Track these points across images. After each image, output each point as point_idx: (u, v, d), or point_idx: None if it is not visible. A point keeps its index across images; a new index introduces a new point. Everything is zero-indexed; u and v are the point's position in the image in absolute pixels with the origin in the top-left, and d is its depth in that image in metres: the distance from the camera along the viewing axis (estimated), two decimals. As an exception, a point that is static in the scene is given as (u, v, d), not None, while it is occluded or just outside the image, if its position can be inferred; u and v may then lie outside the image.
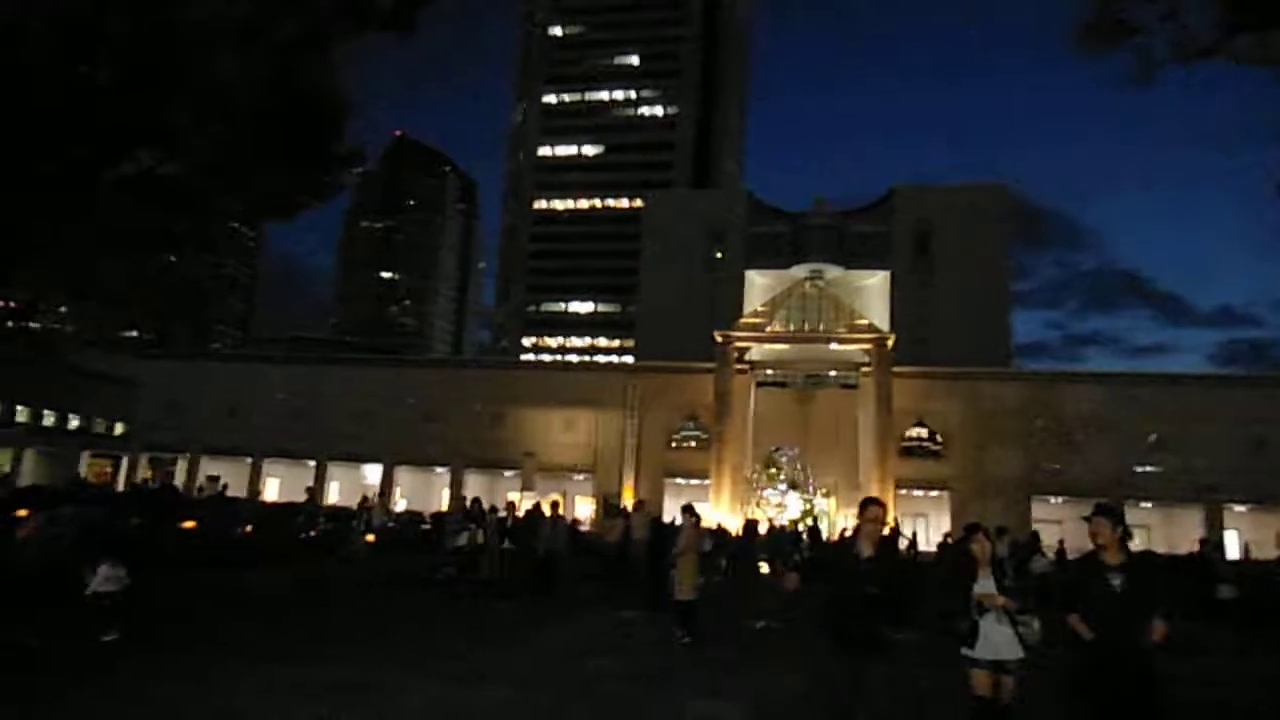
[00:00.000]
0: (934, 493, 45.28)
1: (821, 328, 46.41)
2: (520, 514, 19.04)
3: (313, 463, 51.48)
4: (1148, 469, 44.30)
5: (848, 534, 31.05)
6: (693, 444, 48.51)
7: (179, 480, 49.17)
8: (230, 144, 9.09)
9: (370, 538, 24.65)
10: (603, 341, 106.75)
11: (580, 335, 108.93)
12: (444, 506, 43.26)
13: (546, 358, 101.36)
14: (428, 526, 33.80)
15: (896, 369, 45.41)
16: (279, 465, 52.33)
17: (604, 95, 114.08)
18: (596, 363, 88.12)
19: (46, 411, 65.76)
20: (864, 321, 47.55)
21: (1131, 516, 40.48)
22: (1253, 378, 52.78)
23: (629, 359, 76.37)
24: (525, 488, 42.10)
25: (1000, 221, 67.04)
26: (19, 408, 64.19)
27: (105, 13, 8.46)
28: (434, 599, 14.77)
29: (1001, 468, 44.73)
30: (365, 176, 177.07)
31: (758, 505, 40.46)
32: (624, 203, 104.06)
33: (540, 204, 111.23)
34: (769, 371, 48.96)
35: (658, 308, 69.28)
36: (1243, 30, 6.59)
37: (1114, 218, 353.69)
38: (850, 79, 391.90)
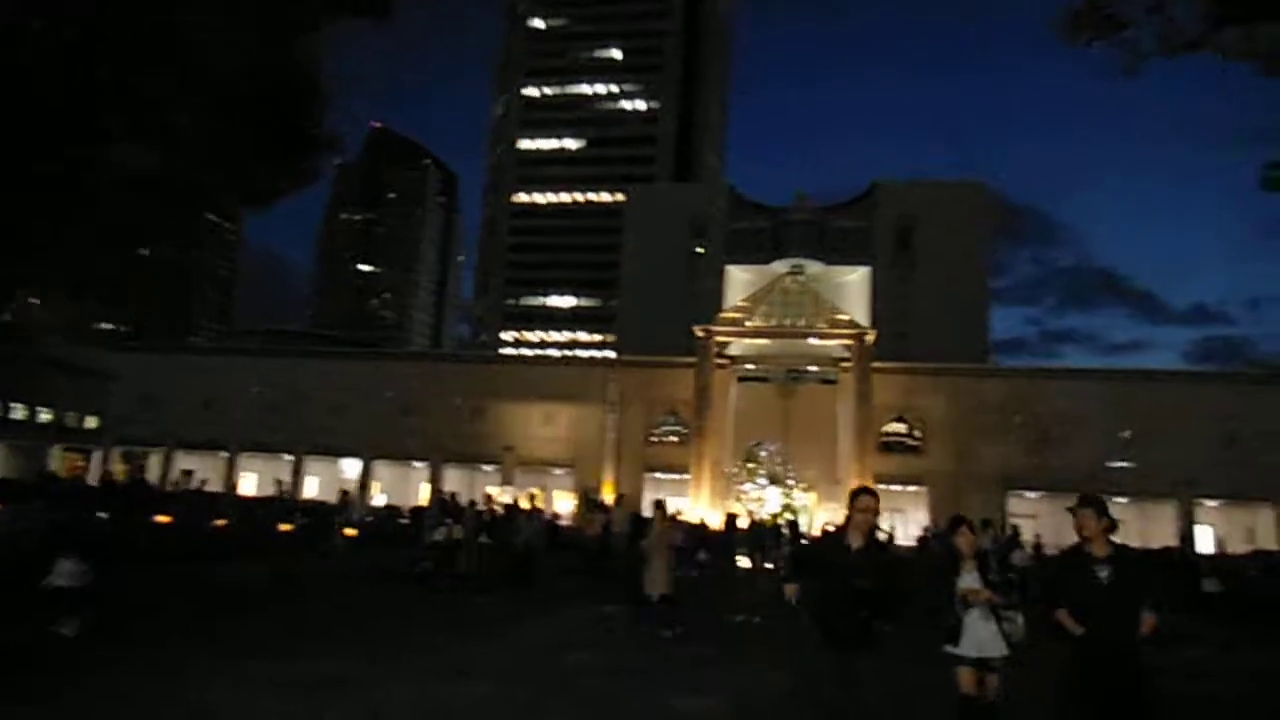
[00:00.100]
0: (912, 488, 45.57)
1: (802, 323, 46.56)
2: (498, 508, 18.92)
3: (290, 456, 51.03)
4: (1123, 464, 44.77)
5: (829, 529, 31.20)
6: (673, 439, 48.56)
7: (154, 474, 48.50)
8: (208, 122, 8.91)
9: (350, 532, 24.41)
10: (583, 336, 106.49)
11: (560, 330, 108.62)
12: (423, 501, 42.98)
13: (526, 352, 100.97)
14: (406, 521, 33.56)
15: (876, 364, 45.65)
16: (256, 459, 51.84)
17: (585, 89, 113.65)
18: (577, 357, 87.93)
19: (16, 404, 64.59)
20: (844, 317, 47.74)
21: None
22: (1226, 375, 53.58)
23: (609, 354, 76.24)
24: (505, 482, 41.95)
25: (980, 218, 67.53)
26: (-13, 400, 63.01)
27: None
28: (412, 594, 14.62)
29: (979, 463, 45.08)
30: (344, 168, 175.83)
31: (738, 500, 40.54)
32: (605, 197, 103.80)
33: (521, 197, 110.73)
34: (749, 366, 49.07)
35: (638, 302, 69.26)
36: (1229, 23, 6.58)
37: (1090, 215, 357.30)
38: (831, 73, 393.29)
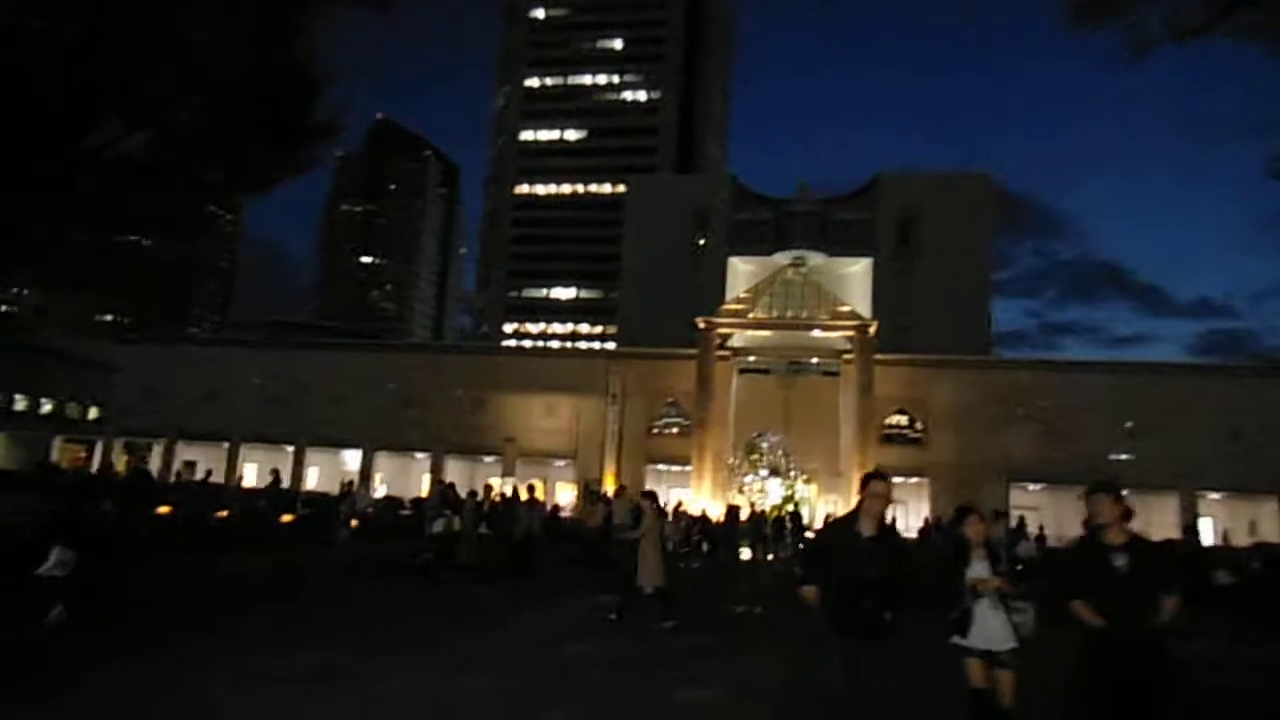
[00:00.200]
0: (914, 479, 45.48)
1: (804, 314, 46.42)
2: (496, 499, 18.88)
3: (291, 448, 51.03)
4: (1125, 457, 44.67)
5: (831, 520, 31.20)
6: (674, 430, 48.52)
7: (156, 465, 48.56)
8: (207, 116, 8.84)
9: (353, 523, 24.38)
10: (584, 328, 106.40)
11: (562, 321, 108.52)
12: (424, 492, 42.99)
13: (528, 343, 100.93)
14: (408, 512, 33.56)
15: (878, 356, 45.54)
16: (257, 450, 51.82)
17: (587, 79, 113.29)
18: (578, 349, 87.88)
19: (18, 396, 64.63)
20: (846, 308, 47.60)
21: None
22: (1229, 368, 53.43)
23: (611, 345, 76.16)
24: (506, 473, 41.95)
25: (983, 210, 67.31)
26: (-11, 392, 63.03)
27: None
28: (413, 585, 14.59)
29: (981, 455, 44.98)
30: (346, 160, 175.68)
31: (739, 491, 40.49)
32: (606, 188, 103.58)
33: (522, 189, 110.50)
34: (751, 358, 48.97)
35: (640, 294, 69.14)
36: (1239, 6, 6.45)
37: (1094, 207, 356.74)
38: (834, 64, 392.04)
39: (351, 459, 51.49)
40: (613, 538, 18.33)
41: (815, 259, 60.66)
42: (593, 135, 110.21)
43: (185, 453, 52.64)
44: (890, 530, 5.54)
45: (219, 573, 14.71)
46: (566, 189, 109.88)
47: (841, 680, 5.20)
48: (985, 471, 44.21)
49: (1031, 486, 44.67)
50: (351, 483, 29.26)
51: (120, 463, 49.21)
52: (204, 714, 6.43)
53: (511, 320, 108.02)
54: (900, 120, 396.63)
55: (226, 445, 51.63)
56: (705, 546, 26.71)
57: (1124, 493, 5.30)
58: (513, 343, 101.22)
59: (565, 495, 48.58)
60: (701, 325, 46.57)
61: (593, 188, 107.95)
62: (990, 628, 5.41)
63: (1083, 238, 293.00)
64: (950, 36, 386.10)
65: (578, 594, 14.24)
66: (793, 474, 41.99)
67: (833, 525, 6.11)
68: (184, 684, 7.09)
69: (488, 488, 18.88)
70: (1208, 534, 40.70)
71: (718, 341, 46.47)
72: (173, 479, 47.62)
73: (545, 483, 49.45)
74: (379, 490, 47.03)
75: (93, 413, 65.20)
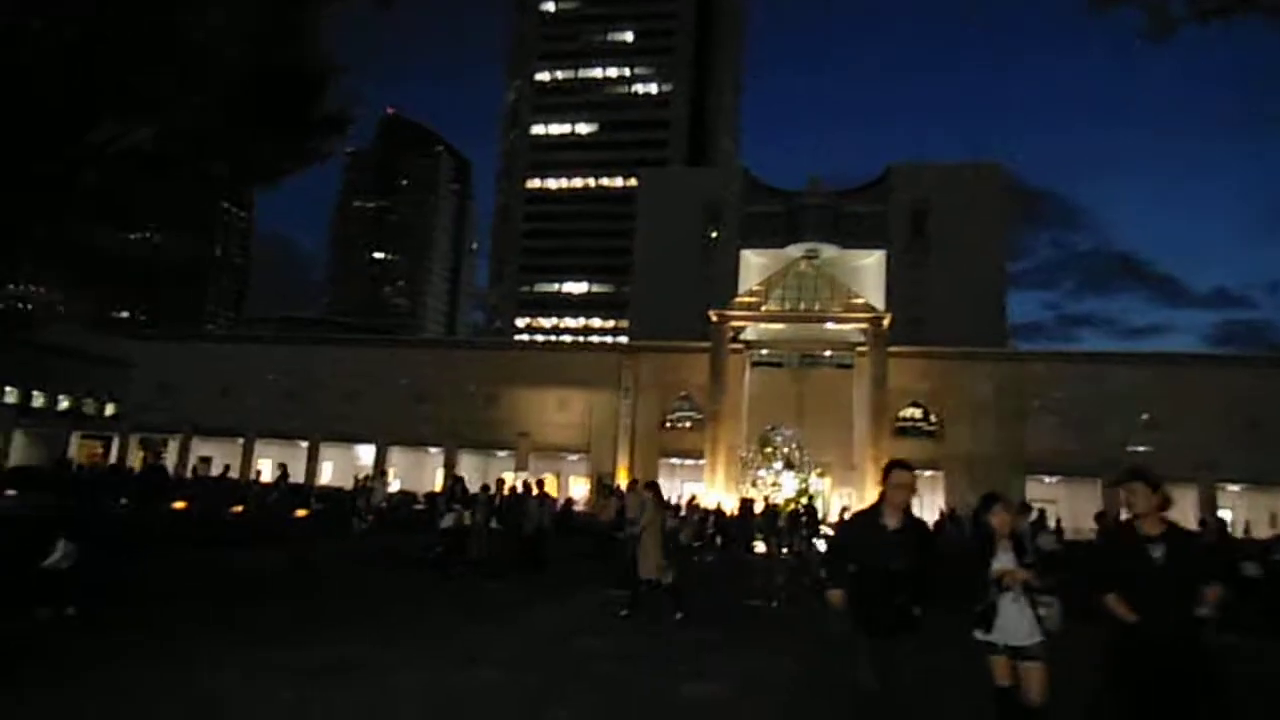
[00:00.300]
0: (928, 472, 45.20)
1: (817, 307, 46.20)
2: (507, 494, 18.84)
3: (306, 443, 51.24)
4: (1142, 448, 44.25)
5: (849, 510, 30.90)
6: (687, 424, 48.43)
7: (171, 461, 48.90)
8: (209, 113, 8.80)
9: (369, 517, 24.43)
10: (597, 322, 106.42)
11: (574, 316, 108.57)
12: (437, 487, 43.12)
13: (540, 338, 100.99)
14: (422, 507, 33.66)
15: (892, 348, 45.27)
16: (272, 446, 52.05)
17: (598, 72, 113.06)
18: (590, 343, 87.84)
19: (36, 392, 65.24)
20: (860, 301, 47.33)
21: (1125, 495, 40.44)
22: (1247, 358, 52.77)
23: (623, 339, 76.08)
24: (519, 468, 42.03)
25: (997, 200, 66.72)
26: (8, 389, 63.67)
27: None
28: (426, 579, 14.58)
29: (996, 447, 44.68)
30: (358, 156, 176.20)
31: (753, 485, 40.36)
32: (618, 182, 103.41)
33: (534, 183, 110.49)
34: (764, 351, 48.82)
35: (652, 287, 68.96)
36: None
37: (1110, 199, 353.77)
38: (847, 57, 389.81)
39: (365, 454, 51.67)
40: (626, 531, 18.28)
41: (828, 251, 60.35)
42: (604, 129, 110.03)
43: (200, 448, 52.95)
44: (917, 522, 5.31)
45: (232, 567, 14.72)
46: (578, 183, 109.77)
47: (871, 679, 5.00)
48: (1001, 464, 43.90)
49: (1048, 479, 44.35)
50: (368, 477, 29.28)
51: (136, 458, 49.64)
52: (211, 708, 6.40)
53: (524, 315, 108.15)
54: (913, 114, 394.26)
55: (241, 441, 51.88)
56: (719, 540, 26.62)
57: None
58: (525, 337, 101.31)
59: (579, 489, 48.61)
60: (714, 318, 46.43)
61: (604, 181, 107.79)
62: (1015, 622, 5.18)
63: (1100, 229, 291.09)
64: (963, 30, 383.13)
65: (589, 589, 14.18)
66: (806, 467, 41.81)
67: (855, 520, 5.85)
68: (193, 678, 7.07)
69: (500, 482, 18.81)
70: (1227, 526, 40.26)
71: (731, 335, 46.34)
72: (189, 474, 47.98)
73: (559, 477, 49.55)
74: (393, 485, 47.22)
75: (109, 409, 65.81)
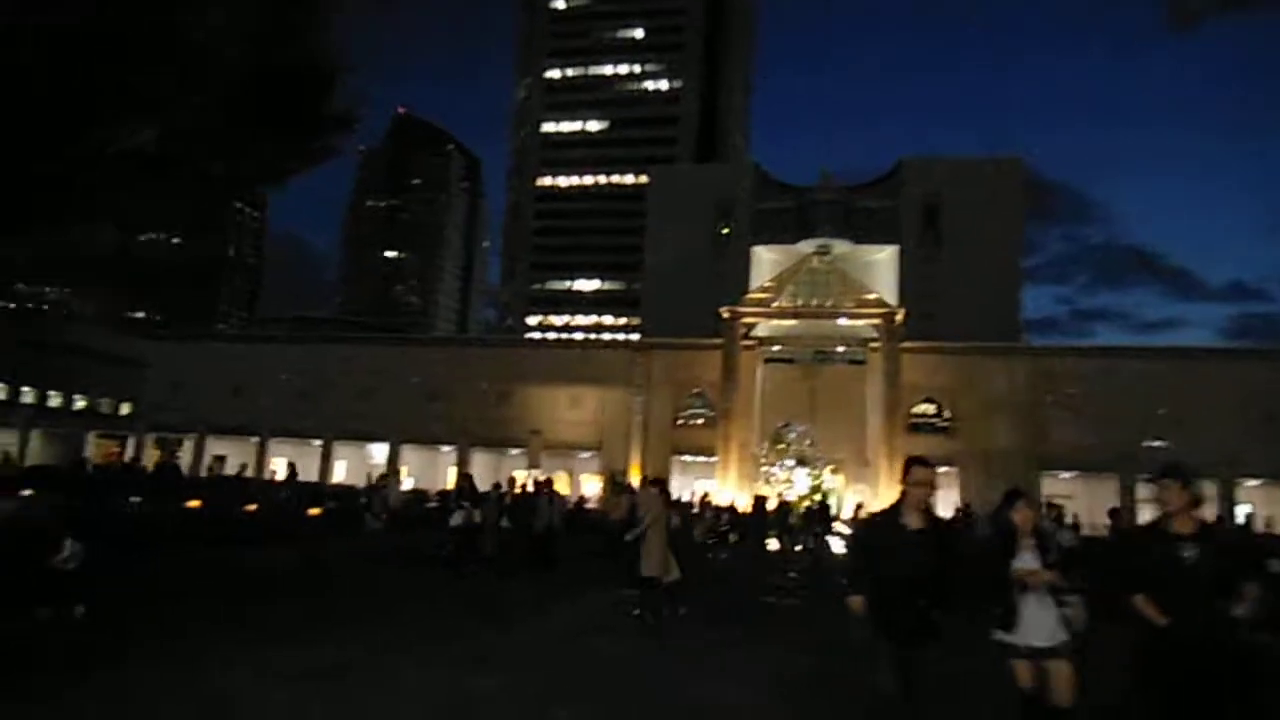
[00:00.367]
0: (943, 469, 44.91)
1: (829, 303, 45.95)
2: (517, 492, 18.76)
3: (319, 442, 51.39)
4: (1159, 444, 43.84)
5: (862, 512, 30.71)
6: (699, 421, 48.29)
7: (185, 459, 49.13)
8: (211, 112, 8.73)
9: (384, 515, 24.39)
10: (608, 319, 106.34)
11: (586, 313, 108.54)
12: (450, 485, 43.14)
13: (552, 336, 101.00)
14: (434, 505, 33.68)
15: (905, 344, 44.99)
16: (285, 444, 52.23)
17: (608, 69, 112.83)
18: (602, 340, 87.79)
19: (52, 393, 65.75)
20: (872, 296, 47.04)
21: (1143, 492, 39.82)
22: (1264, 352, 52.18)
23: (635, 336, 75.99)
24: (531, 466, 41.92)
25: (1010, 195, 66.26)
26: (25, 389, 64.20)
27: None
28: (436, 578, 14.52)
29: (1010, 443, 44.36)
30: (369, 155, 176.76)
31: (766, 482, 40.22)
32: (629, 179, 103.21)
33: (544, 181, 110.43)
34: (776, 347, 48.60)
35: (663, 284, 68.87)
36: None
37: (1123, 192, 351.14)
38: (857, 52, 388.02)
39: (378, 452, 51.79)
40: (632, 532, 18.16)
41: (840, 247, 60.00)
42: (614, 126, 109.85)
43: (215, 447, 53.18)
44: (939, 522, 5.13)
45: (244, 566, 14.70)
46: (589, 180, 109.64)
47: (891, 684, 4.83)
48: (1017, 460, 43.59)
49: (1064, 474, 43.99)
50: (384, 476, 29.23)
51: (152, 458, 49.90)
52: (217, 709, 6.34)
53: (536, 313, 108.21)
54: (924, 109, 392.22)
55: (255, 440, 52.08)
56: (732, 538, 26.51)
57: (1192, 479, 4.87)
58: (537, 335, 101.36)
59: (591, 487, 48.55)
60: (726, 315, 46.25)
61: (615, 178, 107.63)
62: (1038, 623, 5.00)
63: (1113, 223, 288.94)
64: (974, 26, 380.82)
65: (600, 587, 14.08)
66: (819, 464, 41.64)
67: (875, 521, 5.70)
68: (196, 678, 6.99)
69: (511, 480, 18.74)
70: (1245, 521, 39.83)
71: (742, 331, 46.16)
72: (205, 473, 48.19)
73: (571, 475, 49.51)
74: (406, 483, 47.30)
75: (125, 409, 66.23)
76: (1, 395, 63.11)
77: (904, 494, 5.09)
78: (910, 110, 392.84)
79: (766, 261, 63.73)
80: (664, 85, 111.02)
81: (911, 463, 5.19)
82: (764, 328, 47.29)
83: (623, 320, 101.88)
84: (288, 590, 12.53)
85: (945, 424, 46.50)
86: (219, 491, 25.42)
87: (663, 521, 11.56)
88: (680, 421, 48.94)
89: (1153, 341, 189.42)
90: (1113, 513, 21.25)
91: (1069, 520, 27.12)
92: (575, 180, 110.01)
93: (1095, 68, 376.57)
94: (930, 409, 46.96)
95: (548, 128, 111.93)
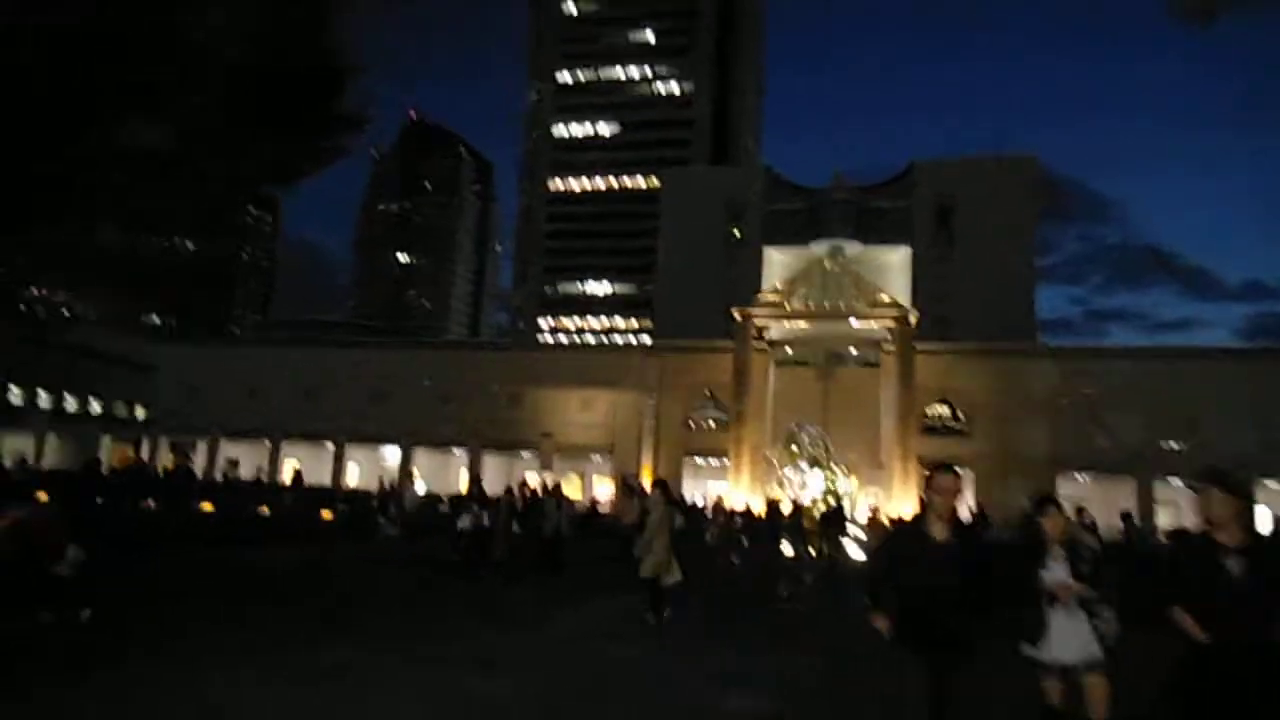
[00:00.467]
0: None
1: (842, 304, 45.67)
2: (527, 495, 18.67)
3: (331, 445, 51.50)
4: (1176, 445, 43.40)
5: (876, 514, 30.39)
6: (712, 423, 48.10)
7: (200, 462, 49.33)
8: (218, 104, 8.66)
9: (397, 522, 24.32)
10: (620, 322, 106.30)
11: (597, 316, 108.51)
12: (462, 488, 43.13)
13: (564, 339, 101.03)
14: (446, 508, 33.65)
15: (919, 346, 44.68)
16: (298, 447, 52.40)
17: (619, 73, 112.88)
18: (614, 343, 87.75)
19: (68, 396, 66.23)
20: (885, 298, 46.74)
21: (1160, 493, 39.44)
22: (1284, 351, 51.56)
23: (646, 339, 75.88)
24: (544, 468, 41.92)
25: (1024, 194, 65.81)
26: (41, 393, 64.70)
27: None
28: (444, 582, 14.43)
29: (1026, 445, 43.97)
30: (381, 160, 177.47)
31: (779, 485, 39.96)
32: (640, 182, 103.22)
33: (556, 184, 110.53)
34: (789, 349, 48.35)
35: (675, 286, 68.73)
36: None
37: (1139, 191, 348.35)
38: (868, 53, 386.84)
39: (390, 455, 51.86)
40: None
41: (852, 248, 59.68)
42: (626, 129, 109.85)
43: (228, 450, 53.37)
44: (967, 531, 4.95)
45: (251, 568, 14.65)
46: (600, 183, 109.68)
47: (921, 708, 4.57)
48: (1031, 462, 43.22)
49: (1079, 476, 43.54)
50: (400, 479, 29.01)
51: (167, 461, 50.13)
52: (212, 710, 6.24)
53: (547, 316, 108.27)
54: (937, 109, 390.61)
55: (268, 443, 52.25)
56: (746, 542, 26.29)
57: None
58: (549, 338, 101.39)
59: (603, 490, 48.47)
60: (738, 316, 46.06)
61: (626, 181, 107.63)
62: (1069, 637, 4.74)
63: (1129, 222, 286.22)
64: (987, 22, 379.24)
65: (610, 592, 13.95)
66: (833, 466, 41.35)
67: (899, 532, 5.53)
68: (196, 679, 6.89)
69: (522, 483, 18.64)
70: (1267, 524, 39.33)
71: (755, 333, 45.96)
72: (219, 476, 48.38)
73: (583, 478, 49.44)
74: (418, 486, 47.31)
75: (140, 412, 66.65)
76: (18, 399, 63.68)
77: (928, 503, 4.86)
78: (923, 110, 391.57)
79: (778, 263, 63.50)
80: (675, 88, 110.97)
81: (935, 470, 4.92)
82: (776, 329, 47.07)
83: (634, 323, 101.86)
84: (293, 593, 12.46)
85: (959, 426, 46.15)
86: (229, 494, 25.46)
87: (667, 523, 11.43)
88: (692, 424, 48.78)
89: (1169, 341, 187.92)
90: (1124, 515, 20.98)
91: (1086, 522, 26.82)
92: (587, 183, 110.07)
93: (1110, 65, 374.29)
94: (944, 411, 46.62)
95: (559, 131, 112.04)
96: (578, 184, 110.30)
